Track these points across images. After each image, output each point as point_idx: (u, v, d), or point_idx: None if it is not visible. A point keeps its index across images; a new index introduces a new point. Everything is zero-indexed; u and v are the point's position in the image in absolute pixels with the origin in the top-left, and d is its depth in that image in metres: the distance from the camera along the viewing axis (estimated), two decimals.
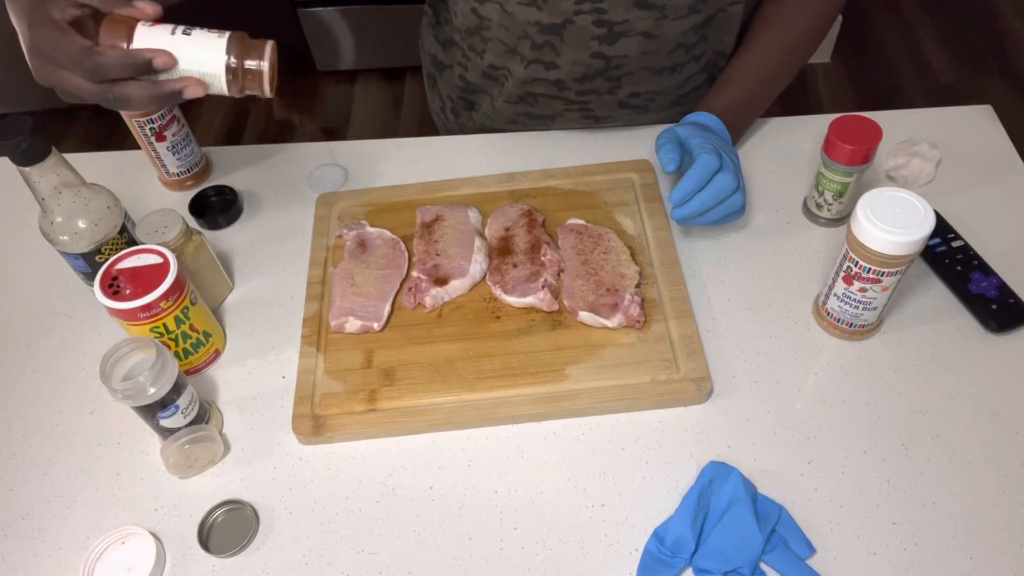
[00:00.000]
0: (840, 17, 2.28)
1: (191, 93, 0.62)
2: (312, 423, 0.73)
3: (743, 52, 0.89)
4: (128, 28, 0.60)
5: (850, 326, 0.75)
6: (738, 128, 0.88)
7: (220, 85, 0.63)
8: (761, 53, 0.88)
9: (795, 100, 2.24)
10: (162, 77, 0.61)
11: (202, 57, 0.61)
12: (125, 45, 0.60)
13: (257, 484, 0.71)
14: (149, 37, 0.60)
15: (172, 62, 0.60)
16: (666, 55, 0.88)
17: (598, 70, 0.88)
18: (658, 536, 0.64)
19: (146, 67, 0.60)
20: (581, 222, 0.85)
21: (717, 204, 0.76)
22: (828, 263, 0.82)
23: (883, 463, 0.69)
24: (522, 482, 0.70)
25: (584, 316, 0.77)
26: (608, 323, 0.76)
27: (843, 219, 0.85)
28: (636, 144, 0.95)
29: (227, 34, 0.62)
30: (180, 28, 0.61)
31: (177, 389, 0.68)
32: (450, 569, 0.65)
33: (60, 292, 0.87)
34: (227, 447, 0.74)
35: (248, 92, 0.64)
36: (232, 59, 0.61)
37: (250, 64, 0.62)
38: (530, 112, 0.97)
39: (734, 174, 0.76)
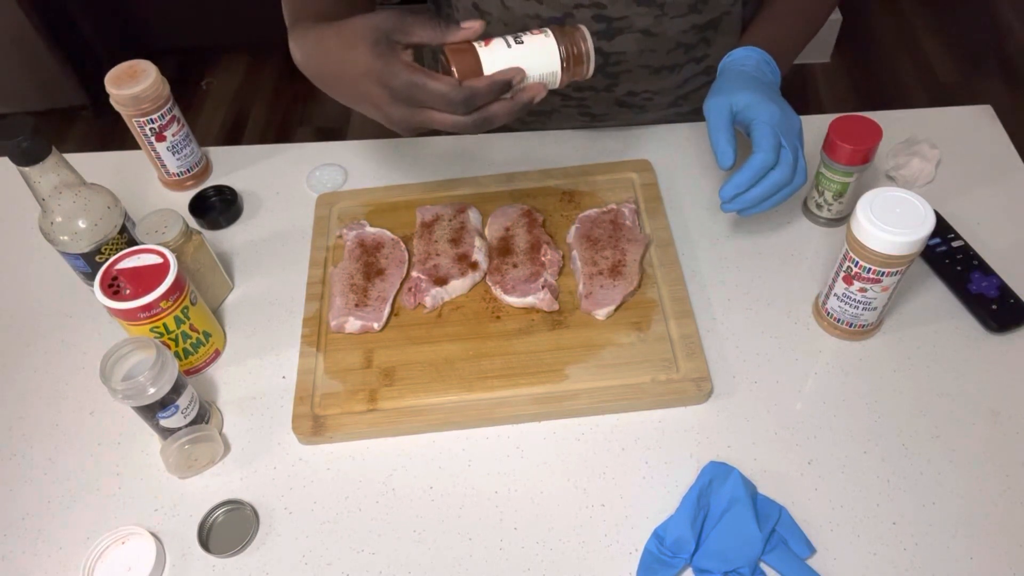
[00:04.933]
0: (840, 17, 2.28)
1: (539, 98, 0.64)
2: (312, 423, 0.73)
3: None
4: (473, 54, 0.62)
5: (850, 326, 0.75)
6: (783, 62, 0.84)
7: (555, 81, 0.65)
8: None
9: (795, 100, 2.23)
10: (512, 91, 0.63)
11: (542, 61, 0.64)
12: (479, 71, 0.62)
13: (257, 484, 0.71)
14: (495, 57, 0.63)
15: (524, 75, 0.63)
16: (665, 54, 0.88)
17: (596, 66, 0.88)
18: (658, 536, 0.64)
19: (507, 87, 0.62)
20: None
21: (768, 198, 0.74)
22: (828, 263, 0.82)
23: (883, 463, 0.69)
24: (522, 482, 0.70)
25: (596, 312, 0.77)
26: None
27: (843, 219, 0.85)
28: (636, 144, 0.95)
29: (548, 31, 0.64)
30: (509, 39, 0.63)
31: (177, 389, 0.68)
32: (450, 569, 0.65)
33: (60, 292, 0.87)
34: (227, 447, 0.74)
35: (571, 79, 0.66)
36: (563, 52, 0.63)
37: (577, 51, 0.64)
38: None
39: (791, 166, 0.72)
